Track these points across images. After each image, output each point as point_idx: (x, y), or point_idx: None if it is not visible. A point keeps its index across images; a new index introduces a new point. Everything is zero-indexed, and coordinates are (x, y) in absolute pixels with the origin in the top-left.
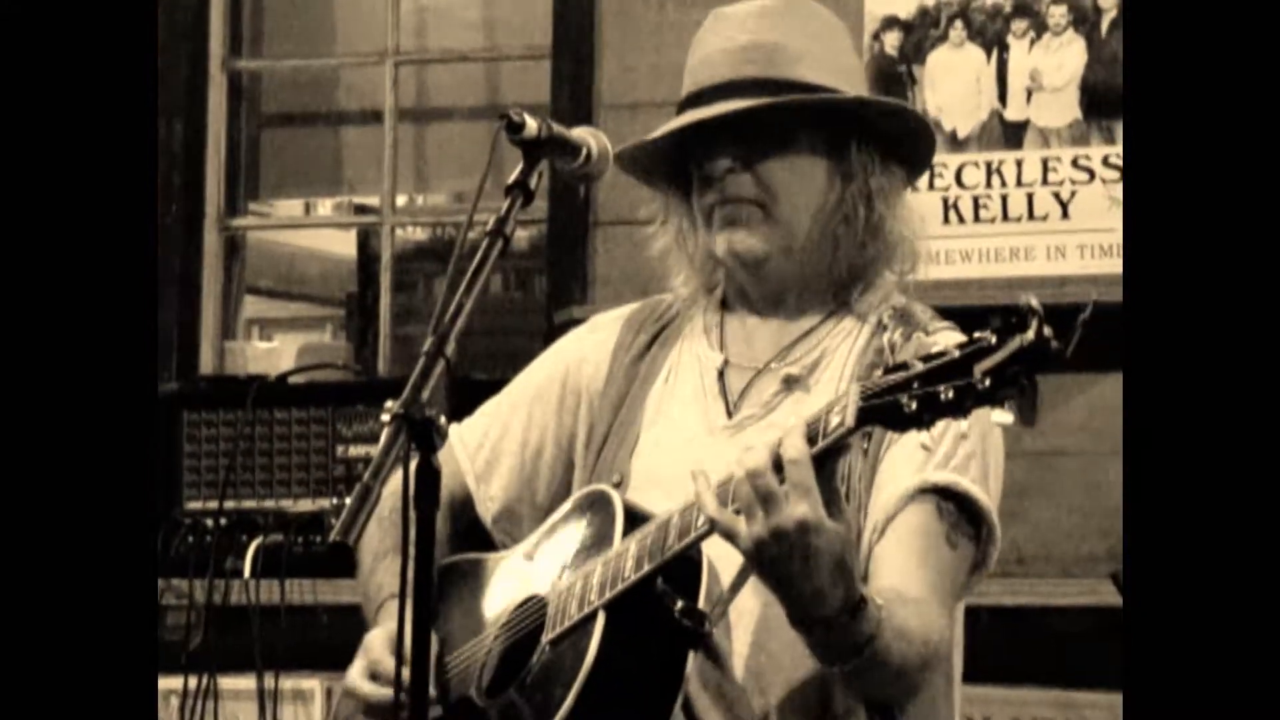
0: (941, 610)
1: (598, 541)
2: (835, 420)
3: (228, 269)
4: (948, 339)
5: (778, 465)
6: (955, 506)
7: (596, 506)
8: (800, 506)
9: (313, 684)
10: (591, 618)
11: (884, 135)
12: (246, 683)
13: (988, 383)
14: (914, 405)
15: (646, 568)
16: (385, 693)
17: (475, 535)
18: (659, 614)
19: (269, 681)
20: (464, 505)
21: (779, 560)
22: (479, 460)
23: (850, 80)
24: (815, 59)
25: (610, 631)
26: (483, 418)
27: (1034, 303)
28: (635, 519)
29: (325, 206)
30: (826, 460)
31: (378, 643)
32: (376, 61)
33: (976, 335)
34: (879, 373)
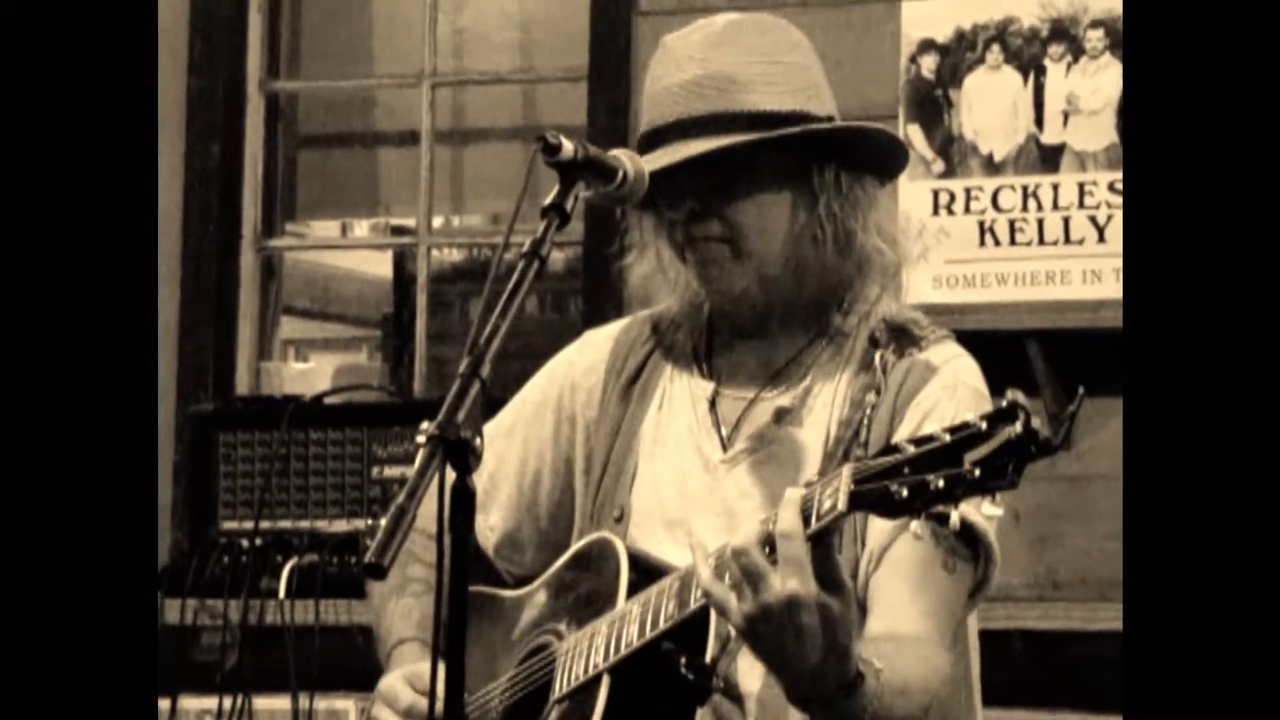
0: (941, 642)
1: (603, 594)
2: (828, 504)
3: (264, 290)
4: (940, 353)
5: (767, 542)
6: (950, 530)
7: (602, 556)
8: (791, 582)
9: (347, 704)
10: (597, 680)
11: (850, 150)
12: (281, 703)
13: (977, 473)
14: (905, 493)
15: (649, 635)
16: None
17: (478, 561)
18: (665, 672)
19: (303, 702)
20: None
21: (770, 637)
22: (477, 490)
23: (810, 96)
24: (768, 83)
25: (615, 694)
26: None
27: (1020, 398)
28: (640, 569)
29: (362, 227)
30: (823, 536)
31: (402, 689)
32: (413, 83)
33: (967, 420)
34: (869, 403)
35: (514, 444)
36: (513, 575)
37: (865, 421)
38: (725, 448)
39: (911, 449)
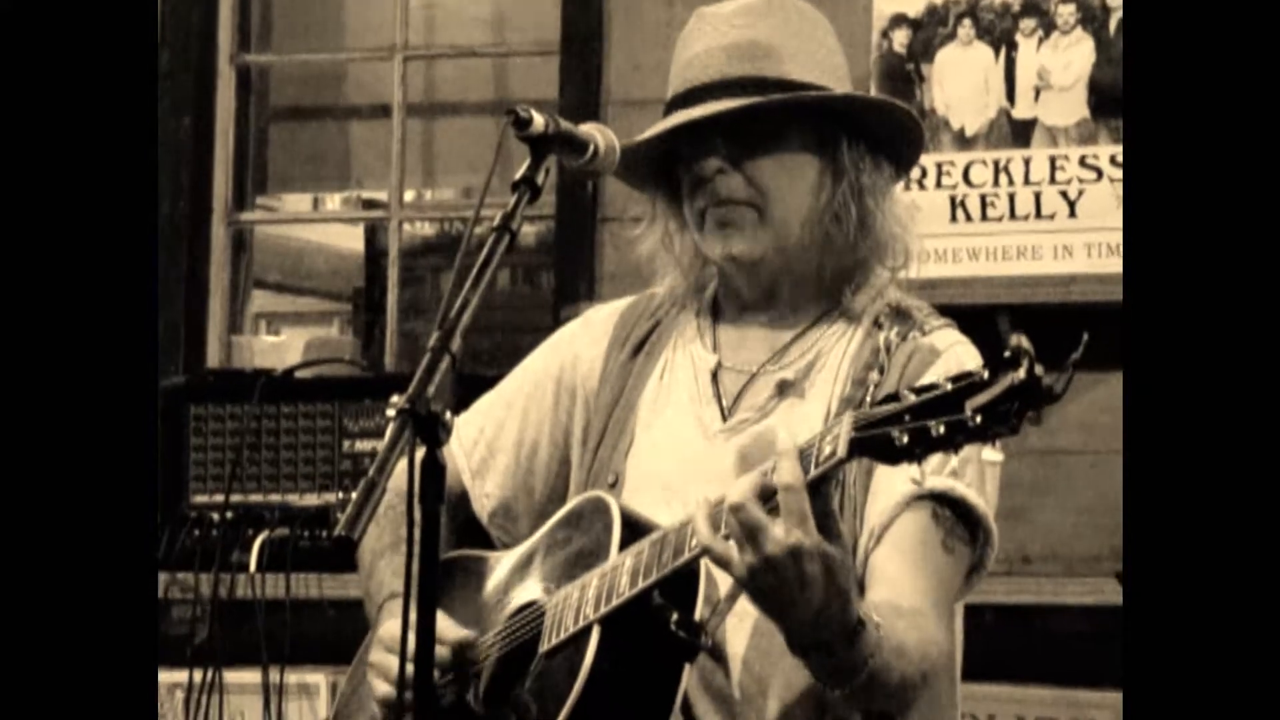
0: (939, 619)
1: (595, 550)
2: (828, 450)
3: (235, 263)
4: (944, 338)
5: (764, 494)
6: (951, 511)
7: (595, 513)
8: (794, 533)
9: (318, 678)
10: (587, 631)
11: (873, 132)
12: (252, 676)
13: (979, 419)
14: (905, 439)
15: (641, 584)
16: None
17: (473, 529)
18: (655, 627)
19: (274, 675)
20: (460, 501)
21: (774, 588)
22: (475, 457)
23: (837, 77)
24: (802, 57)
25: (605, 645)
26: (478, 414)
27: (1024, 342)
28: (632, 527)
29: (333, 201)
30: (821, 484)
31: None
32: (385, 56)
33: (969, 369)
34: (872, 381)
35: (514, 414)
36: (506, 544)
37: (868, 401)
38: (725, 418)
39: (913, 397)
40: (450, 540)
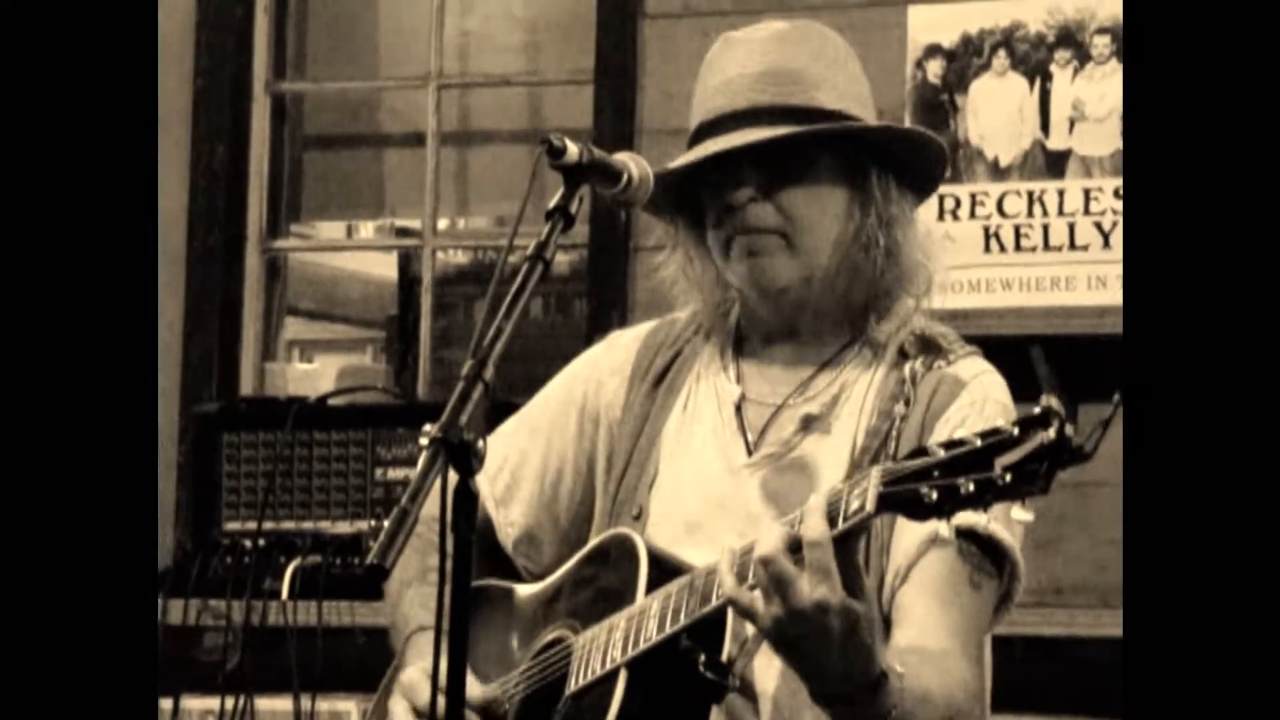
0: (966, 658)
1: (621, 590)
2: (855, 504)
3: (269, 290)
4: (969, 368)
5: (793, 546)
6: (977, 546)
7: (621, 552)
8: (820, 589)
9: (349, 705)
10: (614, 675)
11: (900, 161)
12: (283, 704)
13: (1009, 478)
14: (934, 495)
15: (669, 630)
16: None
17: (494, 555)
18: (683, 669)
19: (305, 703)
20: (484, 529)
21: (798, 640)
22: (498, 485)
23: (863, 105)
24: (831, 84)
25: (632, 689)
26: (501, 441)
27: (1055, 403)
28: (660, 566)
29: (367, 229)
30: (847, 538)
31: (421, 685)
32: (419, 85)
33: (999, 425)
34: (898, 414)
35: (537, 441)
36: (531, 572)
37: (894, 433)
38: (750, 452)
39: (942, 452)
40: (476, 567)
